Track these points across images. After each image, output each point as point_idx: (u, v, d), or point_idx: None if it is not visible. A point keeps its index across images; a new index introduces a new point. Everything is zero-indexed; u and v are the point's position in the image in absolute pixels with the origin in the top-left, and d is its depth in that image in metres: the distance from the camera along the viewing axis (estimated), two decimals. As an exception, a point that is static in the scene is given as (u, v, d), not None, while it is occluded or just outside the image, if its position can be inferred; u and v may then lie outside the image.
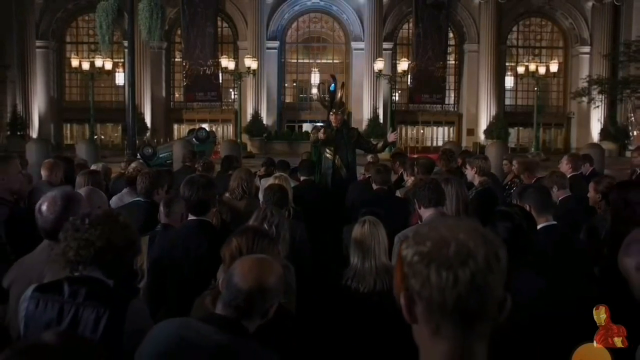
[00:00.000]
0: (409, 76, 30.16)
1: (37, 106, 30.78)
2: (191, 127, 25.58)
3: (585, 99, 28.40)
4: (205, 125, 25.56)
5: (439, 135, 33.09)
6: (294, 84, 34.18)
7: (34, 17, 30.38)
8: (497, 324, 1.05)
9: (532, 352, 2.32)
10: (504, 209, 2.97)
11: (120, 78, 31.07)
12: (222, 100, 32.30)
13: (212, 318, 1.89)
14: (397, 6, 31.83)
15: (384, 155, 11.83)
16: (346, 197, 6.08)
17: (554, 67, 27.25)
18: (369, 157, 8.72)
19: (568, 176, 5.50)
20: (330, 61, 33.63)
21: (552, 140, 33.73)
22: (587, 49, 32.04)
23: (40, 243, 2.62)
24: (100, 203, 3.27)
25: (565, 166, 6.31)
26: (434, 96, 32.03)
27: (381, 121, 30.40)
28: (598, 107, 29.84)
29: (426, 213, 3.51)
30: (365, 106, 31.14)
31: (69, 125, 32.74)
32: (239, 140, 23.21)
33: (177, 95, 33.05)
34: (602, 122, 31.23)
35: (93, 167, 6.27)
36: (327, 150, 7.20)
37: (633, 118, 30.04)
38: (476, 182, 5.58)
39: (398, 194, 5.74)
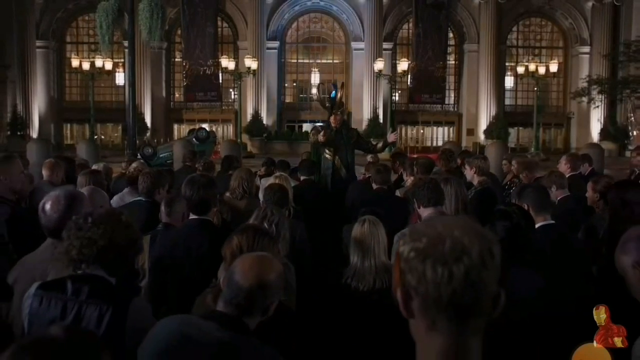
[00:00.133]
0: (409, 76, 30.15)
1: (38, 106, 30.75)
2: (191, 127, 25.53)
3: (585, 99, 28.38)
4: (205, 125, 25.51)
5: (439, 135, 33.05)
6: (294, 84, 34.14)
7: (34, 17, 30.34)
8: (492, 320, 1.07)
9: (532, 352, 2.34)
10: (503, 208, 2.99)
11: (120, 78, 31.08)
12: (222, 100, 32.27)
13: (213, 315, 1.91)
14: (397, 6, 31.80)
15: (384, 155, 11.85)
16: (346, 196, 6.09)
17: (553, 67, 27.26)
18: (369, 157, 8.72)
19: (567, 176, 5.51)
20: (330, 61, 33.62)
21: (552, 140, 33.68)
22: (587, 49, 32.00)
23: (42, 242, 2.64)
24: (102, 202, 3.28)
25: (564, 166, 6.30)
26: (433, 96, 32.01)
27: (381, 121, 30.38)
28: (598, 107, 29.81)
29: (425, 212, 3.52)
30: (365, 106, 31.13)
31: (69, 125, 32.71)
32: (239, 140, 23.18)
33: (177, 95, 33.02)
34: (602, 122, 31.19)
35: (94, 167, 6.29)
36: (327, 151, 7.20)
37: (633, 118, 30.01)
38: (475, 182, 5.59)
39: (398, 193, 5.75)
